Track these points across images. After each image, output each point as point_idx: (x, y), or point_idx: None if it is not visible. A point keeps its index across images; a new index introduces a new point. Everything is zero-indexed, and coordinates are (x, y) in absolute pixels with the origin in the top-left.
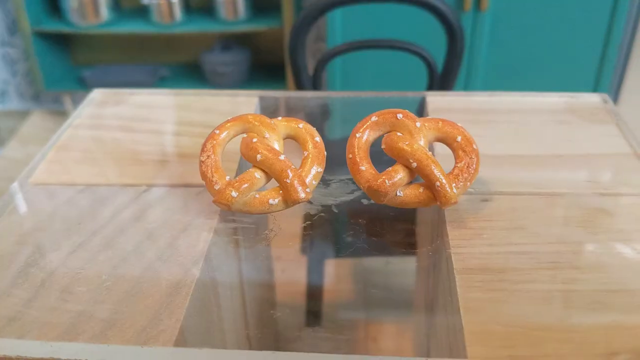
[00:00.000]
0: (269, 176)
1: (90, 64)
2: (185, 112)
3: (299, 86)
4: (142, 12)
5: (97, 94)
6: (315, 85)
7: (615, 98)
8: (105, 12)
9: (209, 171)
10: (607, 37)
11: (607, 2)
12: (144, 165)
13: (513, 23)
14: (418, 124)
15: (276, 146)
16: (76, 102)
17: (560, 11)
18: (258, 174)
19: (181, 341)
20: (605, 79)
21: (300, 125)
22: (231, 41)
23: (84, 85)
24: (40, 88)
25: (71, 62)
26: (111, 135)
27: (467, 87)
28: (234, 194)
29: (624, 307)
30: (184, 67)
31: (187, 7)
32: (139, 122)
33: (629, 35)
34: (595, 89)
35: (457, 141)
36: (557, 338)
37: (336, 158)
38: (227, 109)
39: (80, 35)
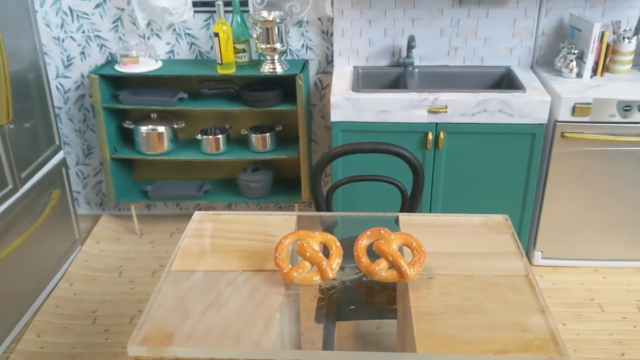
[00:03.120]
0: (312, 264)
1: (150, 180)
2: (252, 225)
3: (317, 205)
4: (195, 144)
5: (197, 215)
6: (327, 204)
7: (540, 209)
8: (166, 144)
9: (280, 262)
10: (528, 169)
11: (526, 147)
12: (236, 259)
13: (462, 158)
14: (392, 236)
15: (316, 248)
16: (138, 210)
17: (494, 151)
18: (307, 264)
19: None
20: (529, 199)
21: (329, 236)
22: (260, 164)
23: (146, 197)
24: (112, 199)
25: (134, 178)
26: (211, 241)
27: (432, 203)
28: (295, 274)
29: (499, 332)
30: (223, 183)
31: (228, 140)
32: (227, 232)
33: (544, 169)
34: (523, 205)
35: (413, 245)
36: (465, 343)
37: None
38: (278, 223)
39: (144, 160)
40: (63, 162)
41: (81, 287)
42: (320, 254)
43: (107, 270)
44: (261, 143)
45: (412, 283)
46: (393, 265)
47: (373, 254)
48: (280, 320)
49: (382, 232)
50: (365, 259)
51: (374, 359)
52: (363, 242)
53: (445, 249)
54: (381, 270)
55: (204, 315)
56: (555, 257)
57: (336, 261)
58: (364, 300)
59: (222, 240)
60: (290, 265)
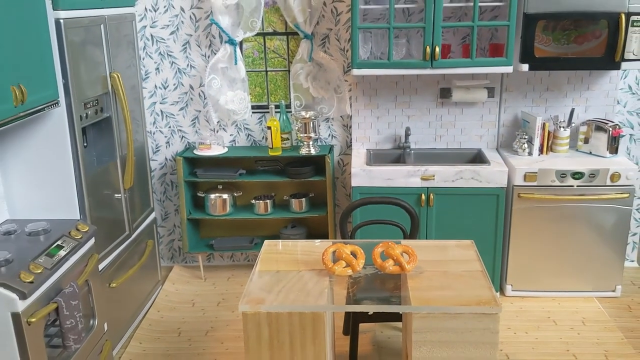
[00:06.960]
0: (346, 263)
1: (211, 236)
2: (303, 247)
3: (344, 238)
4: (249, 207)
5: (266, 242)
6: (352, 238)
7: (508, 252)
8: (228, 207)
9: (326, 261)
10: (496, 221)
11: (493, 204)
12: (295, 264)
13: (447, 213)
14: (396, 246)
15: (348, 252)
16: (204, 260)
17: (470, 208)
18: (343, 262)
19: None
20: (498, 244)
21: (356, 247)
22: (296, 222)
23: (211, 248)
24: (185, 250)
25: (200, 235)
26: (278, 256)
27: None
28: (335, 268)
29: (463, 297)
30: (268, 237)
31: (274, 204)
32: (287, 251)
33: (508, 221)
34: (494, 249)
35: (409, 251)
36: (442, 301)
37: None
38: (320, 246)
39: (209, 220)
40: (154, 220)
41: (166, 313)
42: (351, 256)
43: (183, 302)
44: (298, 206)
45: (409, 274)
46: (397, 263)
47: (384, 257)
48: (327, 293)
49: (389, 243)
50: (379, 260)
51: (386, 310)
52: (378, 250)
53: (430, 258)
54: (389, 266)
55: (280, 292)
56: (522, 290)
57: (361, 261)
58: (379, 287)
59: (285, 255)
60: (332, 263)
